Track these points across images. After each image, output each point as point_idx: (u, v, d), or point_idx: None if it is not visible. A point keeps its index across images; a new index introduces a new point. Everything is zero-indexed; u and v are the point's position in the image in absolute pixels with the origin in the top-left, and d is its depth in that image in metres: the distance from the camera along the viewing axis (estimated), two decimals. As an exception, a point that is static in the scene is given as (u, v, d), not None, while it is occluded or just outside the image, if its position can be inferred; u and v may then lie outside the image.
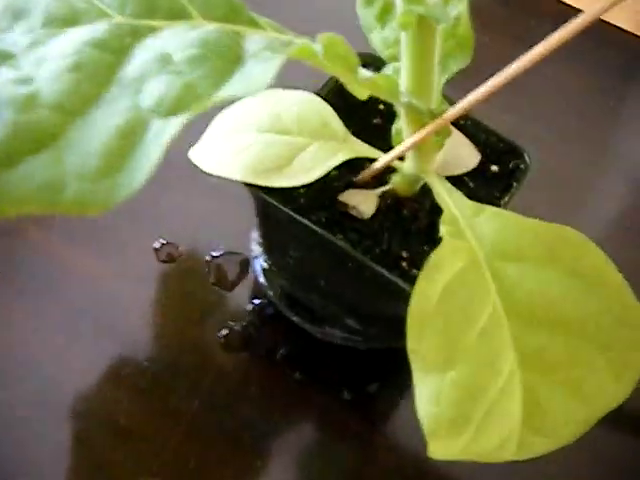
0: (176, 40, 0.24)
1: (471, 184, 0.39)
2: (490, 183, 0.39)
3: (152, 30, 0.25)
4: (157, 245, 0.47)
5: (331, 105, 0.37)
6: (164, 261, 0.47)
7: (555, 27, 0.25)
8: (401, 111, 0.33)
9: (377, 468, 0.42)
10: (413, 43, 0.29)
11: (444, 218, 0.32)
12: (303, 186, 0.36)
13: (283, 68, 0.40)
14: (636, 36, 0.69)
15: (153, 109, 0.21)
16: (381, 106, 0.41)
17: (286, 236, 0.39)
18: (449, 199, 0.33)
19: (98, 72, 0.22)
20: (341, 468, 0.42)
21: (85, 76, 0.22)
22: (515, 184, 0.38)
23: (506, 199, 0.38)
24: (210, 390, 0.42)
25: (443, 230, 0.32)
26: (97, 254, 0.47)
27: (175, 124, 0.21)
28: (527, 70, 0.26)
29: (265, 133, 0.36)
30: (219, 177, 0.35)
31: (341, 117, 0.37)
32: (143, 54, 0.24)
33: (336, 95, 0.39)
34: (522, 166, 0.39)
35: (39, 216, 0.48)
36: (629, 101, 0.65)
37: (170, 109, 0.21)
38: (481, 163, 0.39)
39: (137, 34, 0.25)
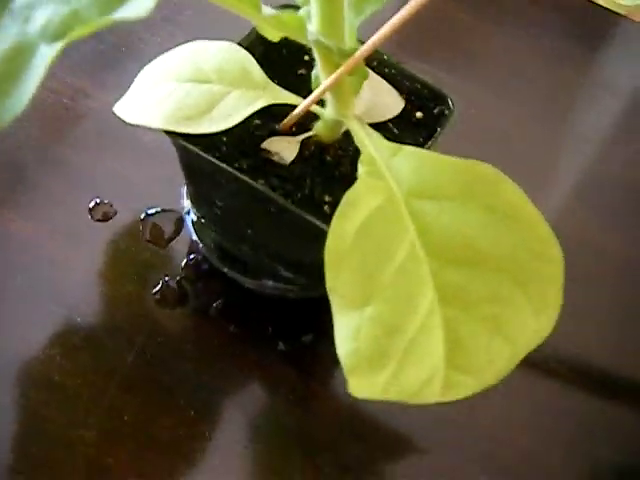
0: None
1: (395, 130, 0.39)
2: (414, 129, 0.39)
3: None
4: (92, 204, 0.47)
5: (255, 56, 0.37)
6: (99, 220, 0.47)
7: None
8: (316, 54, 0.33)
9: (314, 418, 0.42)
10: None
11: (362, 159, 0.32)
12: (225, 134, 0.36)
13: (216, 24, 0.40)
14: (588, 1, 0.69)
15: (39, 35, 0.21)
16: (306, 57, 0.41)
17: (210, 185, 0.39)
18: (368, 141, 0.33)
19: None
20: (278, 419, 0.42)
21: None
22: (439, 129, 0.38)
23: (429, 143, 0.38)
24: (144, 346, 0.42)
25: (360, 170, 0.32)
26: (30, 214, 0.47)
27: (56, 47, 0.21)
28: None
29: (185, 82, 0.36)
30: (152, 135, 0.35)
31: (266, 68, 0.37)
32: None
33: (260, 46, 0.39)
34: (446, 111, 0.39)
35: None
36: (574, 65, 0.66)
37: (55, 34, 0.21)
38: (405, 110, 0.39)
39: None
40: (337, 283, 0.30)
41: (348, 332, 0.30)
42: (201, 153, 0.35)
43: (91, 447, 0.39)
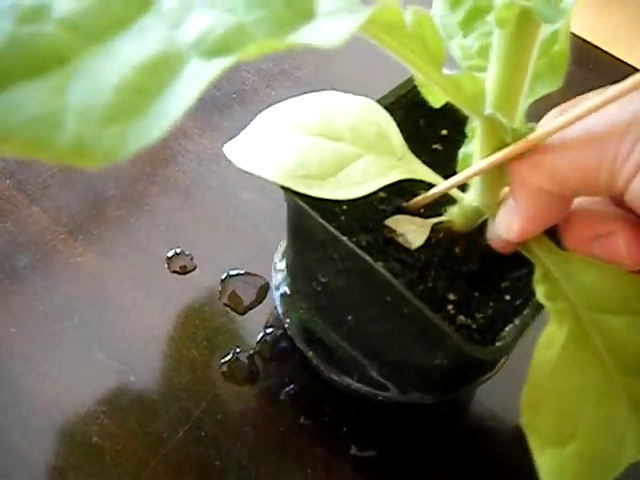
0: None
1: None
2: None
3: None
4: (170, 254, 0.42)
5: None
6: (175, 272, 0.42)
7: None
8: (478, 129, 0.28)
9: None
10: (507, 46, 0.25)
11: (537, 276, 0.27)
12: (346, 202, 0.32)
13: (335, 85, 0.36)
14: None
15: (192, 46, 0.17)
16: (444, 131, 0.36)
17: (318, 257, 0.34)
18: (537, 248, 0.28)
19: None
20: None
21: (116, -4, 0.17)
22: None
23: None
24: (200, 420, 0.37)
25: (539, 292, 0.27)
26: (103, 251, 0.42)
27: (217, 67, 0.16)
28: None
29: (313, 136, 0.31)
30: (252, 192, 0.31)
31: (399, 135, 0.32)
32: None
33: (398, 110, 0.34)
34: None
35: (46, 201, 0.44)
36: None
37: (213, 49, 0.17)
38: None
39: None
40: (535, 421, 0.27)
41: (552, 468, 0.27)
42: (319, 219, 0.30)
43: (118, 531, 0.34)
